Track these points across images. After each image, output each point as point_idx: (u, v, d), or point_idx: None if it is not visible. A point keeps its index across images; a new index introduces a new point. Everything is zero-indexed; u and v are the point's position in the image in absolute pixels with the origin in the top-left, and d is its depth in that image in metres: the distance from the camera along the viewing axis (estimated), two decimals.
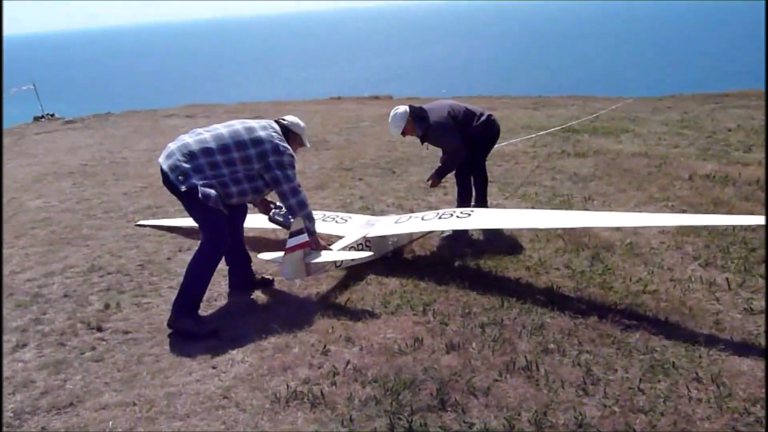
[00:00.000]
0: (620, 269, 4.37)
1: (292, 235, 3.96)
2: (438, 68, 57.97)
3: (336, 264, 4.26)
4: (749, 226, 5.02)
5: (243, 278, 4.43)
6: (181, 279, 4.44)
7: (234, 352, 3.54)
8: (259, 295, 4.31)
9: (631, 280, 4.18)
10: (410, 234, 4.87)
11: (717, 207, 5.58)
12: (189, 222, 5.50)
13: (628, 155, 7.80)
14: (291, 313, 3.98)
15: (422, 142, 5.45)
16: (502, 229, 5.21)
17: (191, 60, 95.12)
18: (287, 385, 3.14)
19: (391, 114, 5.22)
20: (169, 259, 5.12)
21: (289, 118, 4.29)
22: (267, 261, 4.38)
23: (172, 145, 3.85)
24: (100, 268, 4.95)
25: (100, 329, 3.91)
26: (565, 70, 50.75)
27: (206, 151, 3.78)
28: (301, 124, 4.32)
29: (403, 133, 5.29)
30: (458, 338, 3.49)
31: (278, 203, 4.27)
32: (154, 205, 6.75)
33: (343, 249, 4.40)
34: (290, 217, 4.13)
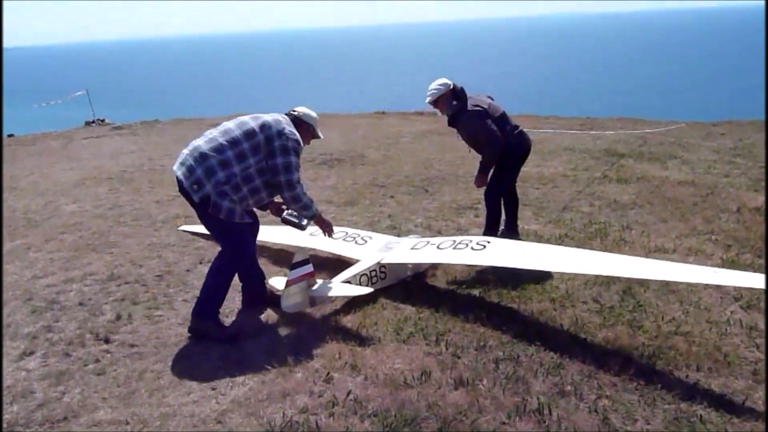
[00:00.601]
0: (652, 306, 4.09)
1: (294, 266, 3.86)
2: (486, 87, 57.60)
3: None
4: None
5: (256, 295, 4.33)
6: (197, 292, 4.46)
7: (236, 373, 3.43)
8: (270, 314, 4.18)
9: (663, 319, 3.90)
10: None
11: (765, 244, 5.20)
12: None
13: (674, 183, 7.43)
14: (300, 336, 3.85)
15: (449, 124, 5.26)
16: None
17: (246, 71, 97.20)
18: (284, 414, 3.00)
19: (433, 84, 5.12)
20: (188, 270, 5.07)
21: (300, 109, 4.14)
22: (275, 288, 4.26)
23: (185, 151, 3.80)
24: (119, 277, 4.94)
25: (107, 341, 3.86)
26: (616, 92, 49.64)
27: (217, 149, 3.70)
28: (313, 114, 4.15)
29: (435, 105, 5.18)
30: (469, 373, 3.29)
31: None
32: (183, 214, 6.74)
33: (357, 275, 4.26)
34: (304, 218, 4.08)
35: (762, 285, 3.23)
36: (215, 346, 3.75)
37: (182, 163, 3.75)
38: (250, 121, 3.86)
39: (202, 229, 5.99)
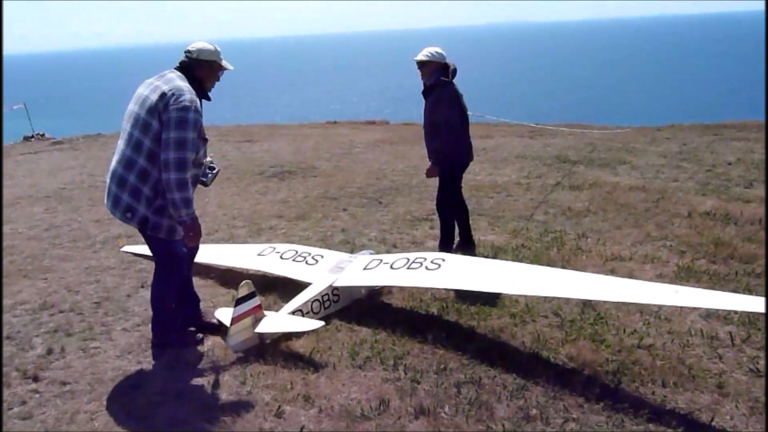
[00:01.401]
0: (613, 318, 4.00)
1: (239, 302, 3.60)
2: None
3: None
4: (753, 271, 4.68)
5: (191, 318, 4.04)
6: (138, 320, 4.29)
7: (177, 410, 3.16)
8: (215, 340, 3.91)
9: (624, 331, 3.81)
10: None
11: (718, 248, 5.22)
12: None
13: (625, 189, 7.47)
14: (247, 363, 3.59)
15: (424, 93, 5.12)
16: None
17: None
18: None
19: (433, 48, 5.02)
20: (128, 296, 4.75)
21: (195, 46, 3.61)
22: (220, 320, 3.96)
23: (107, 180, 3.54)
24: (52, 306, 4.58)
25: (36, 379, 3.52)
26: (562, 97, 50.76)
27: (128, 164, 3.40)
28: (207, 45, 3.62)
29: (422, 66, 5.03)
30: (430, 400, 3.11)
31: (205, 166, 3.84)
32: (124, 234, 6.38)
33: (308, 301, 4.04)
34: (209, 173, 3.84)
35: (725, 306, 3.17)
36: (154, 379, 3.48)
37: (108, 195, 3.53)
38: (138, 108, 3.41)
39: (145, 249, 5.70)
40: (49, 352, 3.85)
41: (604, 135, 12.25)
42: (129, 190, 3.41)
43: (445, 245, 5.28)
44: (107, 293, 4.82)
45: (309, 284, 4.28)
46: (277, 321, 3.82)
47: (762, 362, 3.40)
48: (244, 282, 3.66)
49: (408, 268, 4.13)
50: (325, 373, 3.44)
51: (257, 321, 3.72)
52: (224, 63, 3.69)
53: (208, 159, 3.87)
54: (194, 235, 3.50)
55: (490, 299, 4.29)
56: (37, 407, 3.25)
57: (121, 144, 3.50)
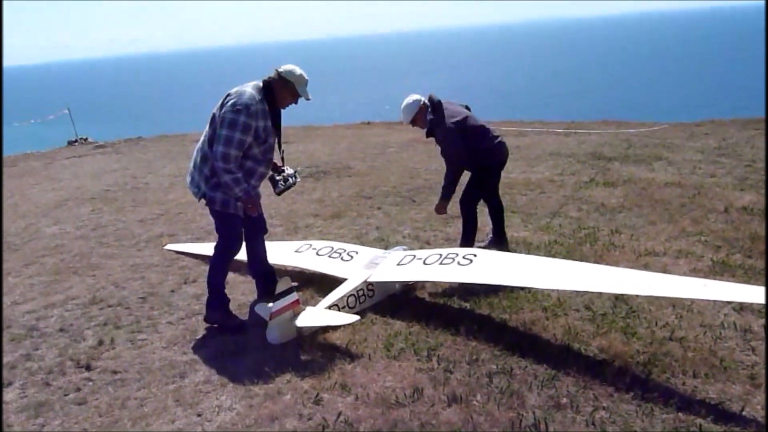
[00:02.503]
0: (645, 312, 4.03)
1: (277, 297, 3.76)
2: (471, 92, 57.80)
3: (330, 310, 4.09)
4: None
5: (263, 293, 4.50)
6: (182, 313, 4.48)
7: (223, 397, 3.33)
8: (255, 333, 4.07)
9: (657, 324, 3.84)
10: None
11: (754, 243, 5.18)
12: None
13: (660, 185, 7.41)
14: (287, 354, 3.75)
15: (427, 136, 5.20)
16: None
17: (227, 84, 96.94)
18: None
19: (404, 101, 5.08)
20: (172, 291, 4.96)
21: (285, 66, 3.94)
22: (258, 315, 4.14)
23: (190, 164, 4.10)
24: (101, 300, 4.82)
25: (89, 368, 3.74)
26: (599, 94, 49.98)
27: (199, 149, 4.01)
28: (297, 71, 3.92)
29: (413, 124, 5.15)
30: (462, 389, 3.21)
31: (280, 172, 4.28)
32: (166, 233, 6.64)
33: (344, 296, 4.18)
34: (281, 184, 4.22)
35: (751, 299, 3.18)
36: (199, 369, 3.65)
37: (189, 175, 4.10)
38: (218, 107, 3.91)
39: (187, 247, 5.94)
40: (100, 343, 4.07)
41: (640, 132, 12.11)
42: (198, 171, 3.99)
43: (467, 242, 5.29)
44: (152, 289, 5.03)
45: (344, 280, 4.42)
46: (315, 315, 3.97)
47: None
48: (282, 278, 3.82)
49: (440, 263, 4.23)
50: (361, 363, 3.57)
51: (296, 315, 3.87)
52: (301, 90, 3.95)
53: (290, 170, 4.25)
54: (252, 206, 3.99)
55: (522, 293, 4.36)
56: (90, 394, 3.46)
57: (203, 134, 4.02)
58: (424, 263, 4.32)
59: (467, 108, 5.25)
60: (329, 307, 4.09)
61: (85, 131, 17.74)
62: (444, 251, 4.43)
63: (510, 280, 3.98)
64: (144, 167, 11.23)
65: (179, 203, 8.00)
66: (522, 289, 4.39)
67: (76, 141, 16.45)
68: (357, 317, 3.94)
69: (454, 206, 5.38)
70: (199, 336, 4.10)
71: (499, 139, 5.16)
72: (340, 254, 4.88)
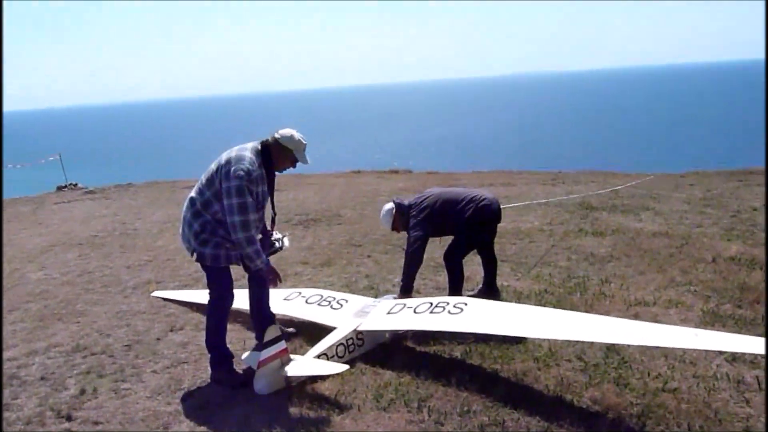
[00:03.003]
0: (638, 362, 4.00)
1: (265, 345, 3.71)
2: (459, 143, 58.58)
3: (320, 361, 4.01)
4: None
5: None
6: (167, 362, 4.40)
7: None
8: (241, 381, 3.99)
9: (649, 375, 3.81)
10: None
11: (744, 293, 5.20)
12: (204, 297, 5.34)
13: (648, 235, 7.47)
14: (275, 404, 3.67)
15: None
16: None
17: (218, 133, 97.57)
18: None
19: (381, 212, 5.36)
20: (158, 339, 4.87)
21: (281, 131, 3.96)
22: (243, 360, 4.07)
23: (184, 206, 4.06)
24: (84, 348, 4.71)
25: (69, 418, 3.63)
26: (587, 146, 50.84)
27: (189, 205, 3.95)
28: (295, 136, 3.94)
29: (395, 229, 5.36)
30: None
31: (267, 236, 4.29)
32: (154, 280, 6.57)
33: (333, 345, 4.12)
34: (277, 243, 4.24)
35: (744, 349, 3.17)
36: (183, 420, 3.56)
37: (181, 229, 4.06)
38: (213, 165, 3.90)
39: (175, 294, 5.87)
40: (82, 392, 3.96)
41: (626, 182, 12.27)
42: (187, 226, 3.94)
43: (455, 294, 5.23)
44: (138, 336, 4.94)
45: (334, 328, 4.36)
46: (303, 364, 3.90)
47: None
48: (271, 326, 3.77)
49: (431, 312, 4.18)
50: (350, 414, 3.49)
51: (284, 364, 3.80)
52: (300, 156, 3.98)
53: (278, 235, 4.30)
54: (272, 278, 4.02)
55: (514, 343, 4.32)
56: None
57: (193, 190, 4.00)
58: (415, 312, 4.27)
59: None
60: (318, 356, 4.02)
61: (76, 177, 17.76)
62: (434, 300, 4.39)
63: (501, 330, 3.94)
64: (133, 213, 11.20)
65: (168, 250, 7.94)
66: (514, 338, 4.35)
67: (65, 186, 16.43)
68: (346, 366, 3.87)
69: (442, 255, 5.37)
70: (185, 386, 4.01)
71: (483, 201, 5.05)
72: (330, 302, 4.84)
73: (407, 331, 4.59)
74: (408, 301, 4.55)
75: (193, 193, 3.97)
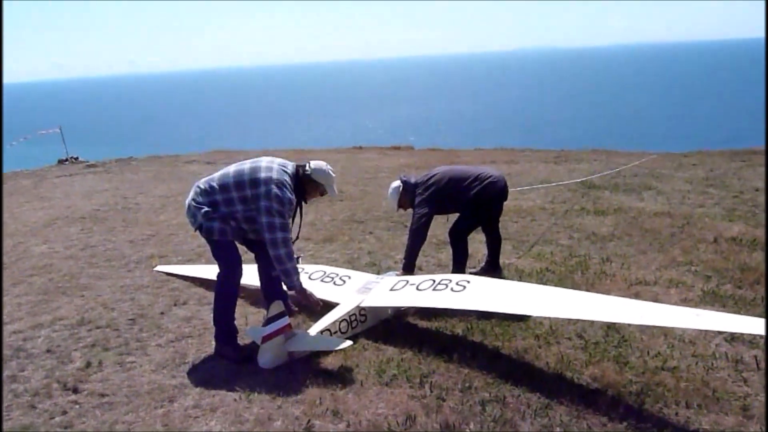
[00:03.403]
0: (637, 341, 4.04)
1: (269, 321, 3.77)
2: (462, 119, 58.35)
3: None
4: None
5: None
6: (171, 336, 4.42)
7: (212, 423, 3.27)
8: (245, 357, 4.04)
9: (649, 354, 3.85)
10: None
11: (744, 273, 5.22)
12: (207, 272, 5.50)
13: (650, 214, 7.48)
14: (279, 378, 3.71)
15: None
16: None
17: (221, 107, 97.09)
18: None
19: (388, 190, 5.32)
20: (162, 313, 4.91)
21: (314, 164, 4.14)
22: (247, 333, 4.19)
23: (191, 191, 4.07)
24: (89, 322, 4.75)
25: (76, 390, 3.67)
26: (590, 123, 50.60)
27: (208, 191, 3.96)
28: (325, 169, 4.15)
29: (402, 207, 5.32)
30: (455, 417, 3.18)
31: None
32: (157, 254, 6.60)
33: (336, 321, 4.17)
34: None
35: (744, 330, 3.18)
36: (188, 393, 3.61)
37: (186, 199, 4.07)
38: (247, 172, 3.93)
39: (178, 269, 5.91)
40: (88, 365, 4.00)
41: (630, 161, 12.24)
42: (197, 204, 3.94)
43: (458, 271, 5.28)
44: (142, 311, 4.98)
45: (337, 304, 4.40)
46: (307, 339, 3.95)
47: None
48: (275, 302, 3.81)
49: (434, 289, 4.21)
50: (353, 389, 3.53)
51: (287, 339, 3.85)
52: (329, 189, 4.20)
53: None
54: (306, 298, 4.14)
55: (515, 320, 4.35)
56: (77, 417, 3.39)
57: (216, 174, 4.04)
58: (417, 289, 4.30)
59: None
60: (321, 332, 4.07)
61: (75, 151, 17.70)
62: (437, 277, 4.41)
63: (503, 307, 3.95)
64: (135, 188, 11.20)
65: (170, 225, 7.97)
66: (515, 317, 4.38)
67: (66, 160, 16.40)
68: (349, 342, 3.91)
69: (445, 232, 5.39)
70: (189, 359, 4.05)
71: (489, 179, 5.06)
72: (333, 279, 4.89)
73: (409, 307, 4.63)
74: (411, 278, 4.58)
75: (214, 183, 3.96)
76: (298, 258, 4.23)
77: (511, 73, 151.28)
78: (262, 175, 3.89)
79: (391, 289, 4.45)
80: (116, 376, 3.86)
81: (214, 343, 4.16)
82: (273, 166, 3.96)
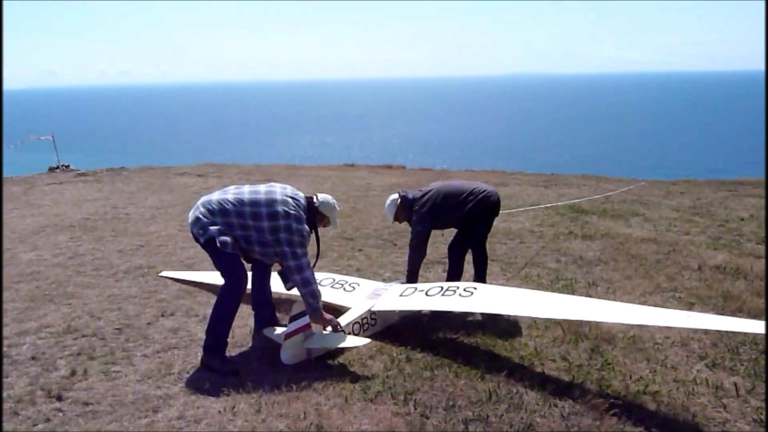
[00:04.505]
0: (620, 365, 4.09)
1: (292, 319, 3.98)
2: (450, 142, 58.71)
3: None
4: None
5: (268, 321, 4.63)
6: (158, 347, 4.42)
7: None
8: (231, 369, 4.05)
9: (631, 378, 3.90)
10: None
11: (727, 301, 5.30)
12: (210, 278, 5.67)
13: (637, 240, 7.57)
14: (264, 392, 3.72)
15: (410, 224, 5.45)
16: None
17: (213, 121, 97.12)
18: None
19: (386, 202, 5.39)
20: (149, 324, 4.91)
21: (322, 197, 4.38)
22: (267, 337, 4.39)
23: (200, 201, 4.16)
24: (75, 330, 4.75)
25: (60, 398, 3.66)
26: (580, 149, 51.12)
27: (223, 212, 4.02)
28: (332, 203, 4.42)
29: (397, 220, 5.40)
30: None
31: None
32: (146, 265, 6.59)
33: (350, 323, 4.39)
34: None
35: (729, 328, 3.42)
36: (173, 404, 3.61)
37: (193, 213, 4.12)
38: (264, 202, 4.06)
39: (183, 275, 6.02)
40: (73, 373, 4.00)
41: (618, 186, 12.38)
42: (210, 221, 4.00)
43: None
44: (128, 320, 4.98)
45: (347, 309, 4.63)
46: (325, 338, 4.18)
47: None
48: (296, 302, 4.08)
49: (442, 295, 4.46)
50: (337, 405, 3.55)
51: (306, 338, 4.07)
52: (333, 221, 4.49)
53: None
54: (321, 322, 4.24)
55: (500, 341, 4.40)
56: (60, 425, 3.39)
57: (229, 196, 4.08)
58: (427, 294, 4.56)
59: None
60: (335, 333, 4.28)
61: (66, 159, 17.65)
62: (444, 284, 4.67)
63: (509, 310, 4.27)
64: (125, 198, 11.18)
65: (160, 236, 7.97)
66: (500, 338, 4.45)
67: (57, 168, 16.34)
68: (367, 340, 4.16)
69: (433, 251, 5.45)
70: (175, 370, 4.05)
71: (483, 194, 5.19)
72: (342, 285, 5.16)
73: (414, 313, 4.90)
74: (418, 286, 4.84)
75: (228, 206, 4.03)
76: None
77: (503, 97, 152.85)
78: (280, 208, 4.04)
79: (400, 295, 4.70)
80: (101, 385, 3.85)
81: (201, 353, 4.16)
82: (287, 198, 4.12)
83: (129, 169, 15.87)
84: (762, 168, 14.80)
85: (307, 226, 4.15)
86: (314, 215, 4.34)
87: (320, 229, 4.53)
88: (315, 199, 4.34)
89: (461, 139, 59.81)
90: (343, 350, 4.21)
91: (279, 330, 4.33)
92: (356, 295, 4.93)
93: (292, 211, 4.07)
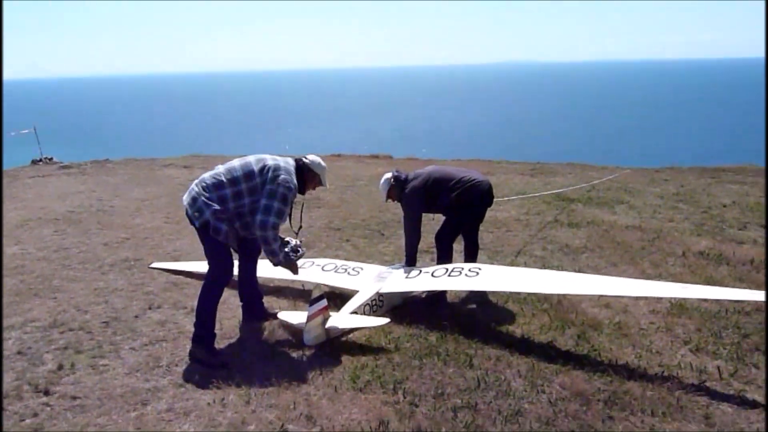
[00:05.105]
0: (606, 351, 4.14)
1: (312, 302, 4.09)
2: (439, 131, 58.71)
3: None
4: (743, 309, 4.82)
5: (257, 313, 4.74)
6: (145, 339, 4.40)
7: (185, 426, 3.29)
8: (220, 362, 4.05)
9: (617, 363, 3.95)
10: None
11: (710, 286, 5.36)
12: (201, 267, 5.54)
13: (622, 227, 7.64)
14: (252, 383, 3.73)
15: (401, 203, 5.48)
16: (489, 301, 5.06)
17: (199, 112, 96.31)
18: None
19: (380, 181, 5.45)
20: (136, 317, 4.89)
21: (310, 157, 4.44)
22: (285, 322, 4.47)
23: (194, 182, 4.17)
24: (62, 324, 4.72)
25: (47, 393, 3.66)
26: (565, 137, 51.32)
27: (217, 185, 4.05)
28: (322, 163, 4.44)
29: (390, 198, 5.44)
30: (427, 423, 3.24)
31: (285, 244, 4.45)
32: (132, 258, 6.56)
33: (360, 305, 4.51)
34: (300, 249, 4.48)
35: (727, 297, 3.99)
36: (162, 397, 3.61)
37: (189, 194, 4.12)
38: (254, 163, 4.15)
39: (174, 265, 6.08)
40: (60, 367, 3.98)
41: (603, 174, 12.47)
42: (206, 199, 4.01)
43: None
44: (115, 314, 4.96)
45: (354, 292, 4.75)
46: (343, 319, 4.30)
47: (749, 395, 3.53)
48: (315, 286, 4.22)
49: (449, 275, 4.61)
50: (327, 394, 3.57)
51: (326, 320, 4.18)
52: (323, 180, 4.51)
53: (295, 242, 4.50)
54: (292, 271, 4.44)
55: (488, 329, 4.44)
56: (48, 419, 3.38)
57: (221, 169, 4.16)
58: (433, 276, 4.69)
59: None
60: (350, 314, 4.42)
61: (50, 152, 17.44)
62: (449, 266, 4.82)
63: (515, 287, 4.59)
64: (110, 190, 11.09)
65: (146, 228, 7.92)
66: (488, 325, 4.49)
67: (40, 160, 16.14)
68: (387, 320, 4.29)
69: (421, 241, 5.46)
70: (163, 363, 4.05)
71: (472, 182, 5.17)
72: (346, 269, 5.23)
73: (415, 294, 5.08)
74: (423, 268, 4.96)
75: (221, 177, 4.07)
76: (299, 250, 4.48)
77: (489, 86, 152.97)
78: (270, 162, 4.14)
79: (407, 277, 4.84)
80: (89, 379, 3.84)
81: (189, 346, 4.15)
82: (277, 157, 4.25)
83: (114, 161, 15.73)
84: (761, 156, 14.92)
85: (295, 180, 4.17)
86: (305, 174, 4.36)
87: (306, 213, 4.56)
88: (304, 159, 4.39)
89: (447, 129, 59.81)
90: (363, 330, 4.40)
91: (297, 314, 4.41)
92: (362, 278, 5.03)
93: (281, 164, 4.14)
